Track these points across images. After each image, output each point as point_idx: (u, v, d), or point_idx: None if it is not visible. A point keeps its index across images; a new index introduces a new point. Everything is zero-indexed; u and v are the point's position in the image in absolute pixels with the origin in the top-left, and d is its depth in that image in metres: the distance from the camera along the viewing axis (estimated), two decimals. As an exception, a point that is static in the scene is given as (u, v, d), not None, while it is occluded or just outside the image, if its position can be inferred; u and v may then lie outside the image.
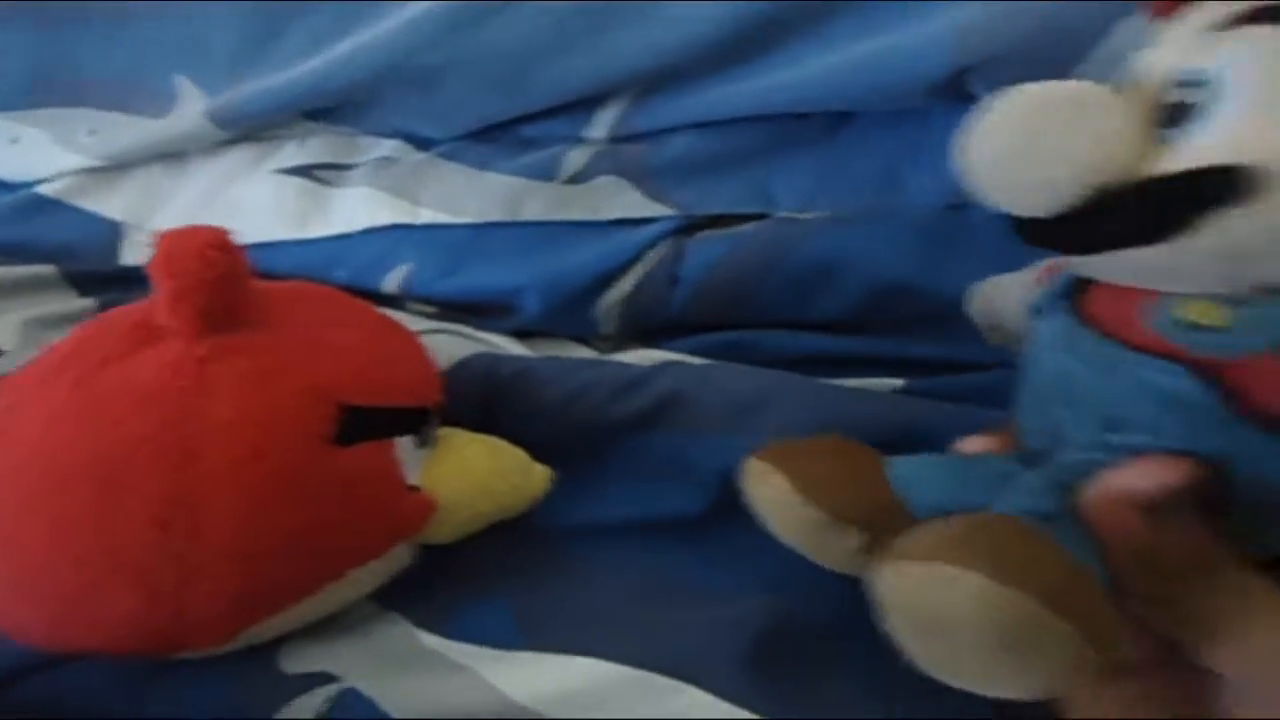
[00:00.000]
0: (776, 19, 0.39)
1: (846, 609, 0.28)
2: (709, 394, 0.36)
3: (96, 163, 0.50)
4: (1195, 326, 0.22)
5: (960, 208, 0.39)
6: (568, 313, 0.42)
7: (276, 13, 0.45)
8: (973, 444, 0.28)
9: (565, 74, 0.41)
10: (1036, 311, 0.27)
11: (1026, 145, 0.22)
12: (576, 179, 0.42)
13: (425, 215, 0.43)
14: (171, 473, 0.26)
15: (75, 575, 0.27)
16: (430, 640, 0.32)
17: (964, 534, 0.21)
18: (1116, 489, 0.22)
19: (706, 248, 0.41)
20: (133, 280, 0.47)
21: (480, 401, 0.37)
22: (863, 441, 0.33)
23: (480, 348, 0.40)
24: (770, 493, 0.28)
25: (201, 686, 0.31)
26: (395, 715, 0.29)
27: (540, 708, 0.28)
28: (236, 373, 0.27)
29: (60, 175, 0.50)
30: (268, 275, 0.47)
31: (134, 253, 0.50)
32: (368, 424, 0.29)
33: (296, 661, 0.31)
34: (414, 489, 0.31)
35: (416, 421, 0.31)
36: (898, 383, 0.39)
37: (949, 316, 0.36)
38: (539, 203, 0.42)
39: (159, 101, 0.48)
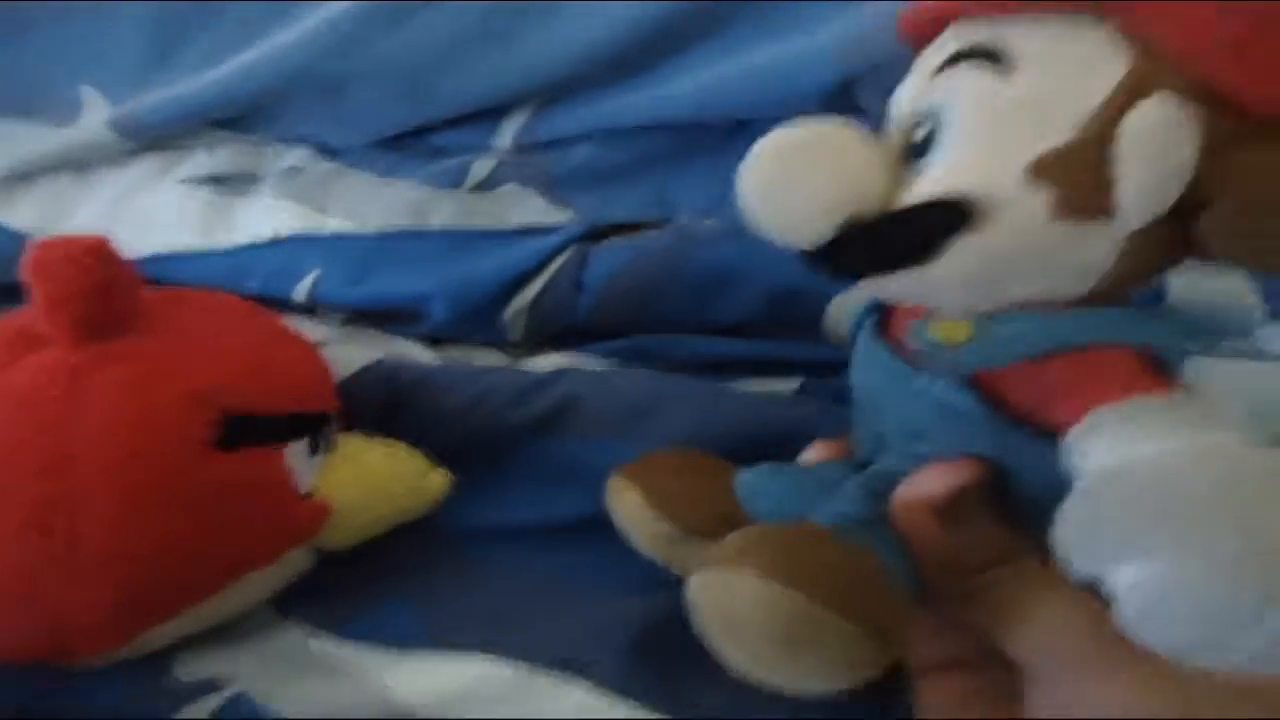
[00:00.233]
0: (672, 28, 0.40)
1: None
2: (604, 399, 0.36)
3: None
4: (942, 345, 0.24)
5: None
6: (475, 319, 0.42)
7: (179, 22, 0.44)
8: (814, 452, 0.30)
9: (467, 83, 0.42)
10: (856, 326, 0.29)
11: (778, 184, 0.24)
12: (483, 187, 0.43)
13: (332, 224, 0.43)
14: (48, 478, 0.26)
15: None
16: (326, 644, 0.32)
17: (755, 541, 0.22)
18: (912, 494, 0.24)
19: (610, 254, 0.41)
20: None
21: (382, 408, 0.37)
22: (751, 443, 0.34)
23: (383, 354, 0.40)
24: (626, 508, 0.29)
25: (93, 695, 0.31)
26: (284, 719, 0.29)
27: (422, 708, 0.29)
28: (114, 378, 0.27)
29: (-38, 185, 0.50)
30: (178, 285, 0.47)
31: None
32: (252, 430, 0.29)
33: (190, 668, 0.31)
34: (307, 495, 0.31)
35: (307, 427, 0.31)
36: (795, 385, 0.40)
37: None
38: (445, 211, 0.42)
39: (64, 110, 0.47)
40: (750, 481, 0.29)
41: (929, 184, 0.23)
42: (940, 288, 0.23)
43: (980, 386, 0.24)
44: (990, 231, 0.22)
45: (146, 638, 0.30)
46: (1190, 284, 0.37)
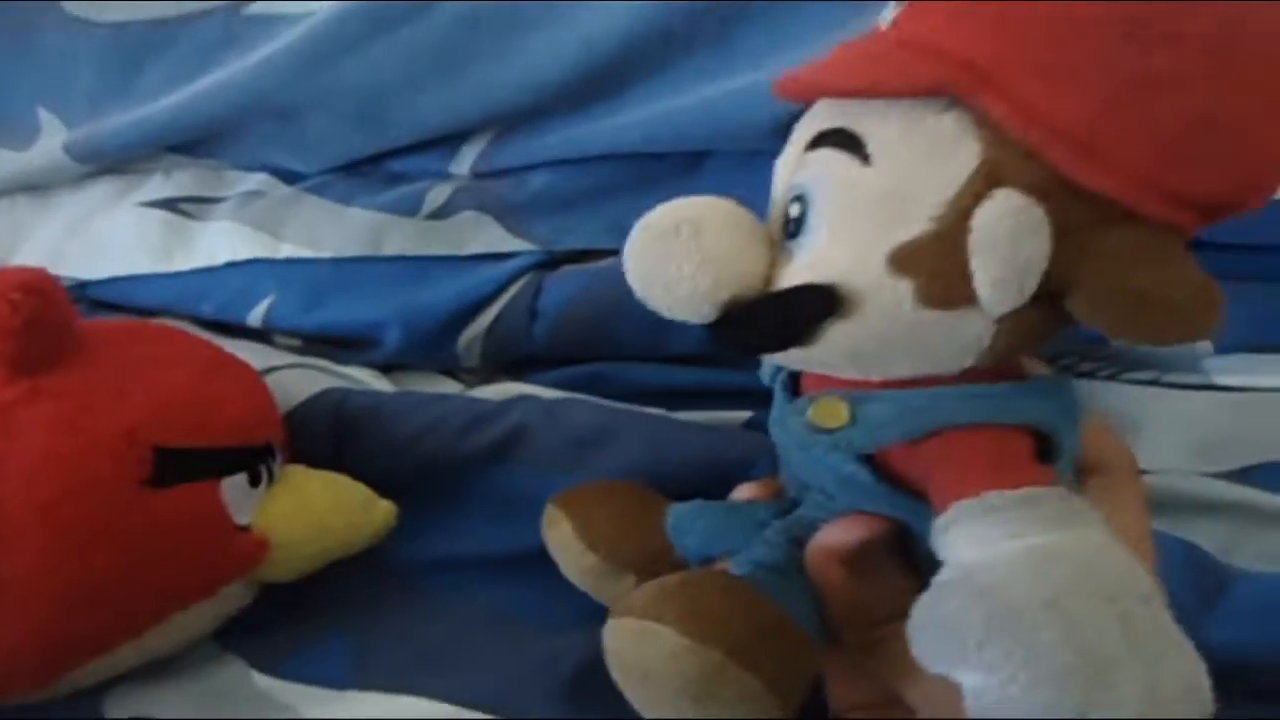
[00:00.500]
0: (629, 59, 0.40)
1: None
2: (554, 431, 0.36)
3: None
4: (823, 428, 0.24)
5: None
6: (429, 347, 0.42)
7: (137, 47, 0.44)
8: (743, 491, 0.30)
9: (422, 113, 0.42)
10: (772, 380, 0.29)
11: (658, 270, 0.24)
12: (439, 214, 0.43)
13: (286, 250, 0.43)
14: (-28, 519, 0.26)
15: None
16: (263, 681, 0.32)
17: (670, 591, 0.23)
18: (823, 545, 0.24)
19: (564, 282, 0.41)
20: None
21: (330, 437, 0.37)
22: (700, 476, 0.35)
23: (336, 382, 0.40)
24: (558, 538, 0.30)
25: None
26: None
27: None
28: (45, 416, 0.27)
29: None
30: (133, 308, 0.47)
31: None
32: (187, 466, 0.29)
33: (120, 706, 0.31)
34: (245, 528, 0.31)
35: (245, 461, 0.31)
36: (746, 414, 0.40)
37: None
38: (400, 238, 0.42)
39: (21, 134, 0.47)
40: (679, 517, 0.30)
41: (800, 270, 0.23)
42: (827, 363, 0.24)
43: (871, 460, 0.24)
44: (860, 318, 0.22)
45: (76, 675, 0.29)
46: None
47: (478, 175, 0.44)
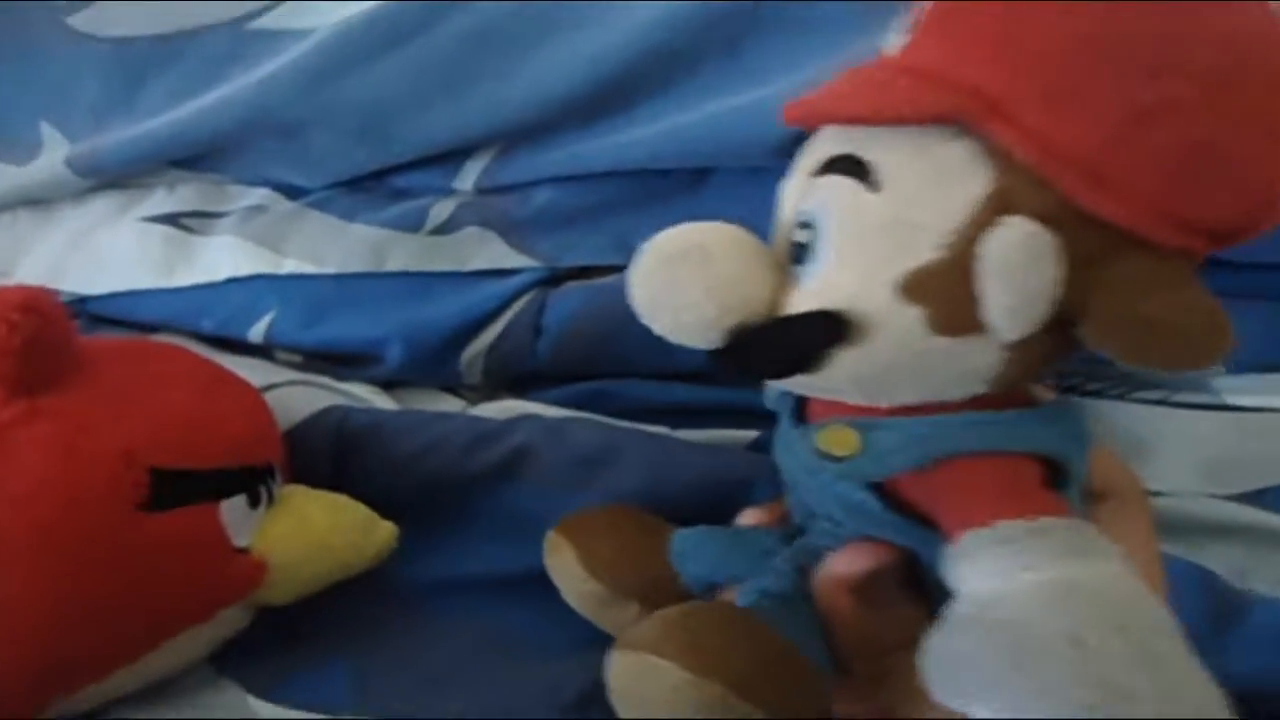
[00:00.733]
0: (634, 76, 0.40)
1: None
2: (558, 450, 0.36)
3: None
4: (832, 455, 0.24)
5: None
6: (432, 363, 0.42)
7: (141, 61, 0.44)
8: (749, 516, 0.30)
9: (426, 128, 0.41)
10: (778, 404, 0.29)
11: (663, 297, 0.24)
12: (442, 230, 0.43)
13: (289, 265, 0.43)
14: (-34, 543, 0.26)
15: None
16: (261, 707, 0.32)
17: (671, 625, 0.23)
18: (830, 574, 0.24)
19: (568, 298, 0.41)
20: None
21: (331, 456, 0.37)
22: (704, 497, 0.34)
23: (337, 400, 0.40)
24: (560, 565, 0.29)
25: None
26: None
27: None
28: (42, 438, 0.27)
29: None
30: (133, 324, 0.46)
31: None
32: (184, 488, 0.29)
33: (117, 730, 0.31)
34: (244, 550, 0.31)
35: (244, 482, 0.31)
36: (752, 434, 0.39)
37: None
38: (403, 253, 0.42)
39: (23, 149, 0.47)
40: (684, 544, 0.29)
41: (808, 296, 0.23)
42: (833, 389, 0.23)
43: (880, 488, 0.24)
44: (868, 345, 0.22)
45: (71, 700, 0.29)
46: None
47: (481, 191, 0.43)
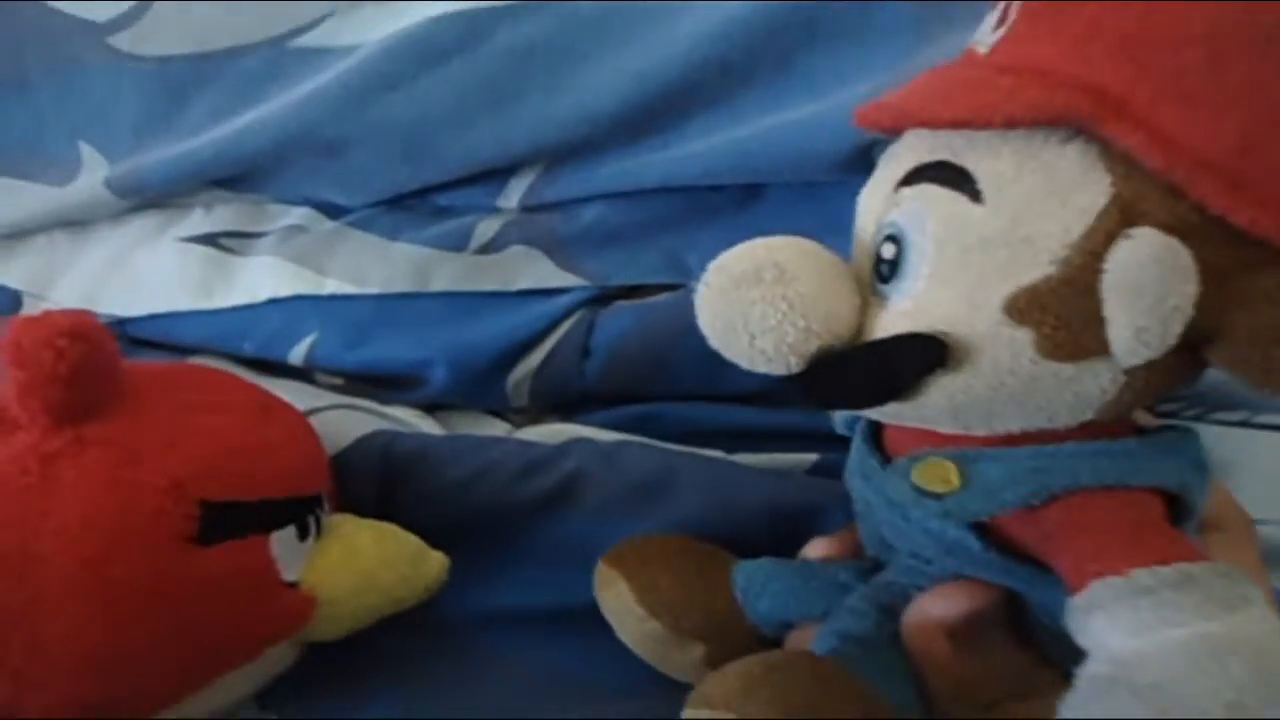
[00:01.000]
0: (682, 94, 0.39)
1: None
2: (613, 475, 0.35)
3: (-6, 231, 0.48)
4: (929, 492, 0.22)
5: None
6: (478, 386, 0.41)
7: (180, 81, 0.43)
8: (817, 548, 0.28)
9: (470, 145, 0.40)
10: (849, 428, 0.27)
11: (737, 321, 0.22)
12: (487, 249, 0.42)
13: (330, 285, 0.42)
14: (10, 579, 0.25)
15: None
16: (306, 745, 0.30)
17: (754, 681, 0.21)
18: (924, 617, 0.22)
19: (617, 318, 0.40)
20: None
21: (378, 483, 0.36)
22: (765, 524, 0.33)
23: (382, 424, 0.39)
24: (614, 602, 0.28)
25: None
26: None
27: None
28: (88, 469, 0.26)
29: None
30: (172, 346, 0.46)
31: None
32: (234, 521, 0.27)
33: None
34: (293, 585, 0.29)
35: (294, 514, 0.30)
36: (812, 458, 0.38)
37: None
38: (448, 273, 0.41)
39: (62, 169, 0.46)
40: (750, 578, 0.28)
41: (900, 318, 0.21)
42: (925, 419, 0.22)
43: (980, 526, 0.22)
44: (970, 370, 0.20)
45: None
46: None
47: (526, 209, 0.42)
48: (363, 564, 0.31)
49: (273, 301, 0.42)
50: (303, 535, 0.30)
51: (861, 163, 0.38)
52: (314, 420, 0.36)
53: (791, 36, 0.39)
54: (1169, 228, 0.18)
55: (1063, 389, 0.20)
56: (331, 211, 0.45)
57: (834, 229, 0.40)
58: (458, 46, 0.40)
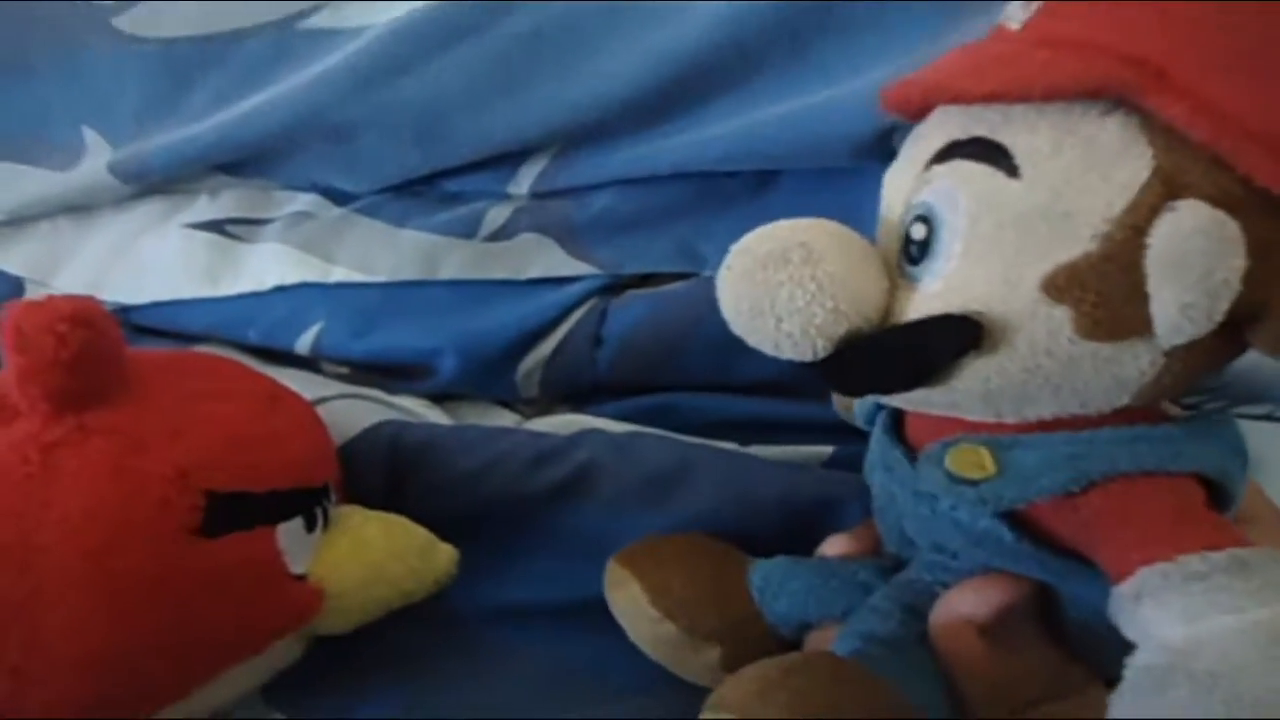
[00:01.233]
0: (696, 79, 0.38)
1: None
2: (626, 467, 0.34)
3: (-2, 216, 0.47)
4: (963, 479, 0.21)
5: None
6: (487, 376, 0.40)
7: (185, 65, 0.43)
8: (835, 544, 0.27)
9: (482, 129, 0.40)
10: (869, 420, 0.26)
11: (757, 305, 0.21)
12: (497, 236, 0.41)
13: (337, 273, 0.41)
14: (10, 572, 0.24)
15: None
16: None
17: (772, 684, 0.20)
18: (953, 615, 0.21)
19: (629, 308, 0.39)
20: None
21: (386, 473, 0.35)
22: (781, 517, 0.32)
23: (390, 414, 0.38)
24: (626, 603, 0.27)
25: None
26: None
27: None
28: (91, 458, 0.25)
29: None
30: (176, 334, 0.45)
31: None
32: (240, 512, 0.27)
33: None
34: (300, 578, 0.29)
35: (301, 505, 0.29)
36: (829, 450, 0.37)
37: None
38: (457, 261, 0.40)
39: (65, 154, 0.46)
40: (767, 579, 0.27)
41: (933, 299, 0.21)
42: (955, 404, 0.21)
43: (1013, 516, 0.21)
44: (1007, 352, 0.19)
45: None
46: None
47: (537, 195, 0.41)
48: (371, 556, 0.30)
49: (279, 289, 0.42)
50: (310, 527, 0.29)
51: (878, 149, 0.37)
52: (321, 410, 0.35)
53: (807, 21, 0.38)
54: (1214, 200, 0.18)
55: (1100, 371, 0.19)
56: (339, 198, 0.44)
57: (850, 216, 0.39)
58: (469, 28, 0.39)
